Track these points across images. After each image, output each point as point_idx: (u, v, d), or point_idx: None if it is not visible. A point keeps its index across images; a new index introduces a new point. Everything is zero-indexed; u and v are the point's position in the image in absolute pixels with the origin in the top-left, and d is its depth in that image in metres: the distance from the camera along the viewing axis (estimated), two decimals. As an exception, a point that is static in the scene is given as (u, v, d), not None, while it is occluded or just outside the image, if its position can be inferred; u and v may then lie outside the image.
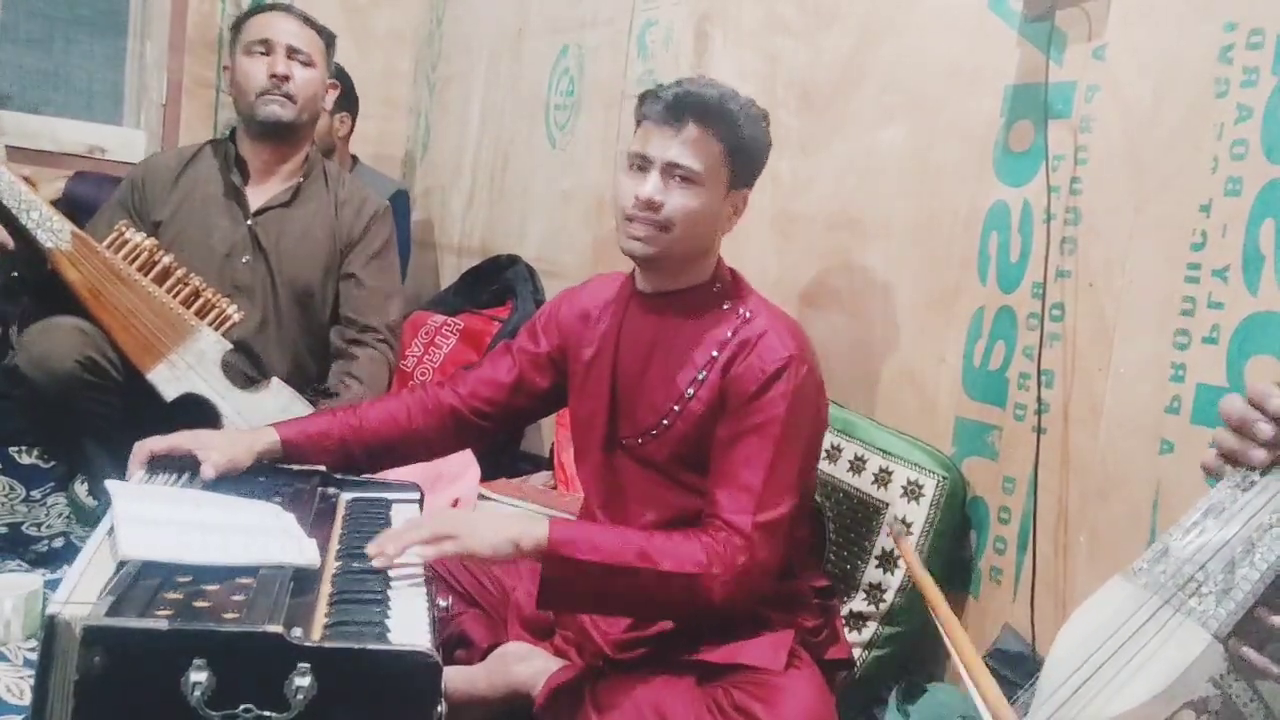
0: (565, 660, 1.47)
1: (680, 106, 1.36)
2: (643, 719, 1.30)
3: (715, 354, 1.41)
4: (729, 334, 1.41)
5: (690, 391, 1.41)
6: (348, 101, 3.16)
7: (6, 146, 2.84)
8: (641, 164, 1.39)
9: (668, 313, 1.46)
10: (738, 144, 1.39)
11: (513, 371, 1.60)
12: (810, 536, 1.57)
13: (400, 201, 3.18)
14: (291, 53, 2.12)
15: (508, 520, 1.35)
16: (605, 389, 1.50)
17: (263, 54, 2.11)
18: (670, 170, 1.37)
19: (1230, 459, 0.86)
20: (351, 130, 3.20)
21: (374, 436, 1.58)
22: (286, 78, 2.10)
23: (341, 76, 3.11)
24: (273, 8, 2.18)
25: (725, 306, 1.45)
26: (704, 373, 1.41)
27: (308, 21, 2.17)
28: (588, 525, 1.36)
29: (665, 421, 1.43)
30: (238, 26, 2.18)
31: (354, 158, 3.25)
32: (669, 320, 1.46)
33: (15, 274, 1.96)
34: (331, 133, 3.11)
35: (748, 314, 1.43)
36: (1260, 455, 0.83)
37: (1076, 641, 0.91)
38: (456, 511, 1.39)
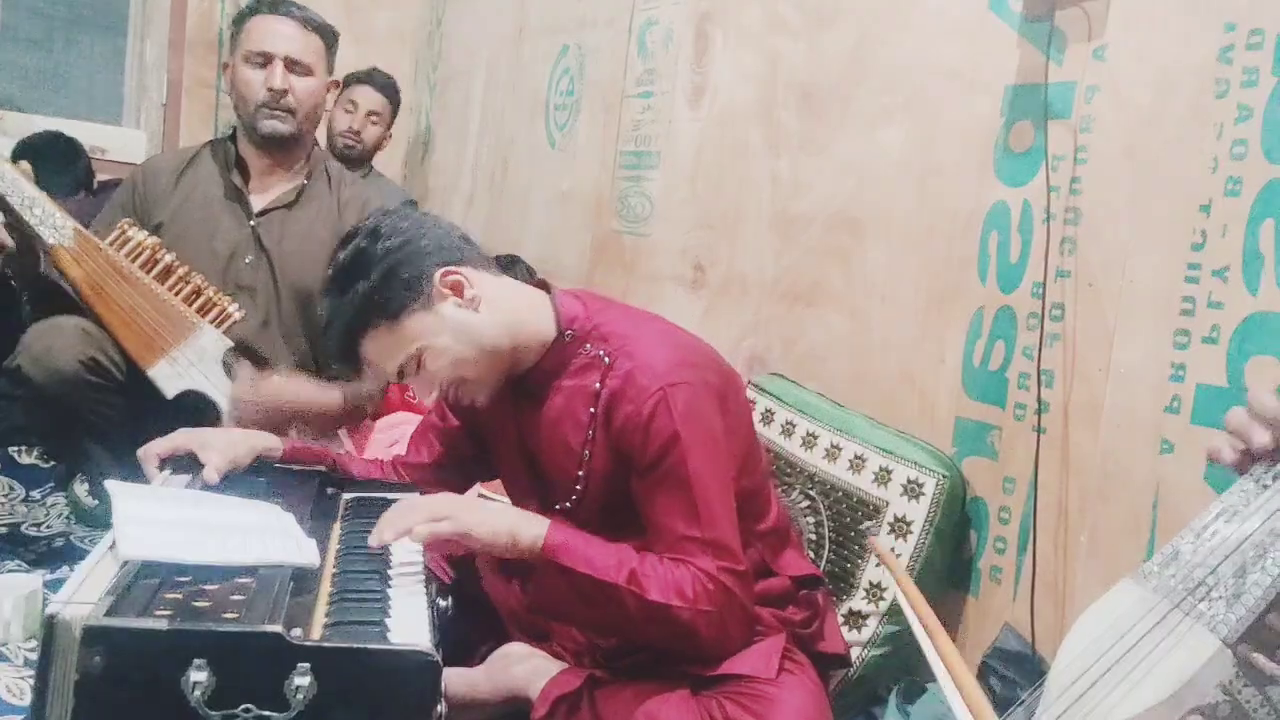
0: (565, 663, 1.47)
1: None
2: None
3: (593, 410, 1.37)
4: (597, 385, 1.37)
5: (586, 453, 1.39)
6: (395, 114, 3.26)
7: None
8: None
9: (542, 382, 1.43)
10: (365, 307, 1.34)
11: (434, 452, 1.63)
12: (777, 522, 1.48)
13: None
14: (290, 65, 2.10)
15: (508, 513, 1.35)
16: (522, 468, 1.50)
17: (261, 65, 2.10)
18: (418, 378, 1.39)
19: (1239, 436, 0.86)
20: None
21: (362, 470, 1.63)
22: (285, 92, 2.09)
23: (393, 90, 3.21)
24: (273, 9, 2.13)
25: (586, 349, 1.40)
26: (590, 430, 1.38)
27: (307, 23, 2.14)
28: (587, 536, 1.34)
29: (579, 486, 1.41)
30: (239, 23, 2.16)
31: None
32: (547, 387, 1.43)
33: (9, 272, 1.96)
34: (379, 144, 3.21)
35: (607, 357, 1.38)
36: (1264, 438, 0.83)
37: (1085, 644, 0.90)
38: (455, 496, 1.37)
